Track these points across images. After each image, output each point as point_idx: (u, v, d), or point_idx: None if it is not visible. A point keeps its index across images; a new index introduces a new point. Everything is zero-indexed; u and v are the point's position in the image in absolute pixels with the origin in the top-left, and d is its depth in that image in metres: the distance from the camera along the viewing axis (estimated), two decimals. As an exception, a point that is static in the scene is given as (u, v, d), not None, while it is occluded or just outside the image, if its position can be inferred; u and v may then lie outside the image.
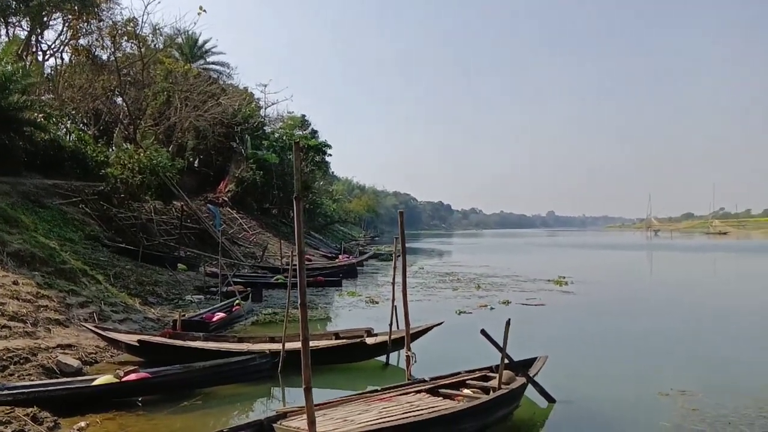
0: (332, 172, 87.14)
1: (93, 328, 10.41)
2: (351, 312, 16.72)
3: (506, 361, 7.22)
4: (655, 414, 7.43)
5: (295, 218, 4.54)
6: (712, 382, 9.02)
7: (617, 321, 15.50)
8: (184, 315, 12.56)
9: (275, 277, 21.84)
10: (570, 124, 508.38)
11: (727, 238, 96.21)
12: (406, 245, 8.54)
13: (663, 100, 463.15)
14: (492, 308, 16.82)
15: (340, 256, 36.26)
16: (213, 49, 48.71)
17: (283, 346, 9.19)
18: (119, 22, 29.19)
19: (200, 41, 46.59)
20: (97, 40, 29.69)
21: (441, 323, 10.80)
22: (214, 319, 13.02)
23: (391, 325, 10.07)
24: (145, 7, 28.41)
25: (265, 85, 51.76)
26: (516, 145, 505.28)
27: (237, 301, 14.95)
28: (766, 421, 7.00)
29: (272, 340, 10.47)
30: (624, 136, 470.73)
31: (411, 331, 9.46)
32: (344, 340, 10.31)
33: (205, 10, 29.87)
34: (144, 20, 29.56)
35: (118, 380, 7.82)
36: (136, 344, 9.89)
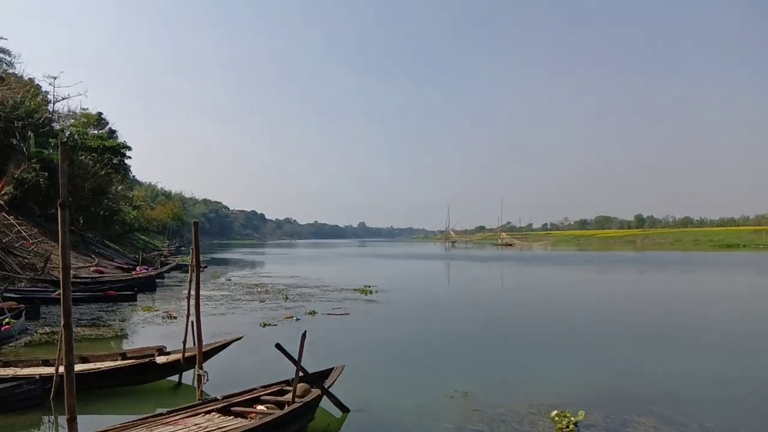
0: (133, 176, 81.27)
1: None
2: (145, 329, 15.58)
3: (302, 373, 7.21)
4: (440, 416, 7.94)
5: (60, 228, 4.05)
6: (491, 383, 9.88)
7: (413, 327, 16.39)
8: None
9: (56, 292, 19.56)
10: (373, 143, 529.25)
11: (512, 249, 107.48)
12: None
13: (464, 119, 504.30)
14: (298, 319, 16.84)
15: (138, 268, 33.80)
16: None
17: (57, 369, 8.19)
18: None
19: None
20: None
21: (240, 338, 10.56)
22: (-25, 342, 11.26)
23: (185, 342, 9.52)
24: None
25: (55, 78, 46.72)
26: (328, 157, 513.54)
27: (7, 320, 13.18)
28: (534, 417, 7.83)
29: (46, 363, 9.34)
30: (422, 156, 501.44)
31: (207, 348, 9.09)
32: (131, 361, 9.54)
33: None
34: None
35: None
36: None
